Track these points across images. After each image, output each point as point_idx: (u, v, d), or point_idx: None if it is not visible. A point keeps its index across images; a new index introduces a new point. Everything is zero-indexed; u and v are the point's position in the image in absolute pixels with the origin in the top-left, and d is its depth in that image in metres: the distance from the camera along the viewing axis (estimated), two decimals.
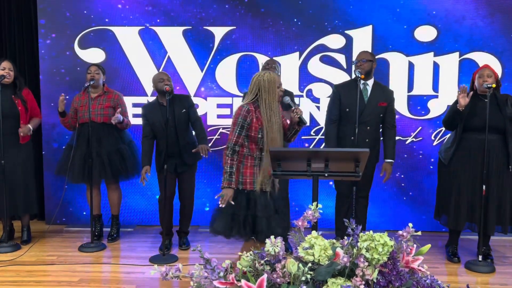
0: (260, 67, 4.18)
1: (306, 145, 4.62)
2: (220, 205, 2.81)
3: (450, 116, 3.61)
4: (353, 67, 3.76)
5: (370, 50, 4.46)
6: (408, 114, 4.53)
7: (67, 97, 4.23)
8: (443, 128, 4.45)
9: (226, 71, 4.61)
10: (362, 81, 3.65)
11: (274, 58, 4.54)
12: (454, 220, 3.61)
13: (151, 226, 4.60)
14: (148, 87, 4.61)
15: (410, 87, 4.53)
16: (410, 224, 1.87)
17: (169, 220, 3.97)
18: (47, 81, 4.67)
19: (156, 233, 4.12)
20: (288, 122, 3.04)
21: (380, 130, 3.83)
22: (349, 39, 4.51)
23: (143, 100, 4.58)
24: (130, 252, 3.97)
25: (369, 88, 3.70)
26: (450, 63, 4.47)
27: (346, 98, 3.68)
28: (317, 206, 1.94)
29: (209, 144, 4.60)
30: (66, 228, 4.69)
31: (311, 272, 1.72)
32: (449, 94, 4.45)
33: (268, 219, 2.86)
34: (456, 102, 3.55)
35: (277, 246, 1.78)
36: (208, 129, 4.64)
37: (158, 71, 4.59)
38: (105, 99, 4.14)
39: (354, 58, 3.80)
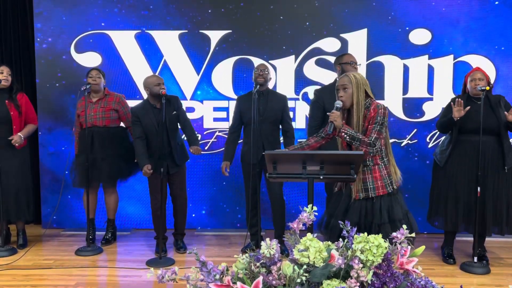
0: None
1: None
2: None
3: (444, 122, 3.65)
4: (344, 67, 3.71)
5: (365, 53, 4.50)
6: (403, 117, 4.55)
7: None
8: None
9: (222, 74, 4.63)
10: None
11: (270, 61, 4.57)
12: (451, 222, 3.63)
13: (148, 230, 4.60)
14: (144, 91, 4.62)
15: (405, 89, 4.55)
16: (404, 226, 1.88)
17: (164, 224, 3.97)
18: (44, 85, 4.68)
19: (153, 237, 4.13)
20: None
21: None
22: (344, 43, 4.54)
23: None
24: (127, 256, 3.97)
25: None
26: (444, 65, 4.50)
27: (330, 102, 3.68)
28: (312, 208, 1.95)
29: (205, 148, 4.65)
30: (62, 232, 4.68)
31: (306, 274, 1.73)
32: (443, 97, 4.48)
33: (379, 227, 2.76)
34: (449, 106, 3.59)
35: (273, 248, 1.79)
36: (204, 132, 4.66)
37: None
38: (106, 102, 4.15)
39: (342, 60, 3.75)
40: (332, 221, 2.82)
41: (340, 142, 2.88)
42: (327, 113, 2.78)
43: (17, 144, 3.91)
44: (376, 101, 2.82)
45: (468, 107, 3.47)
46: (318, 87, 4.51)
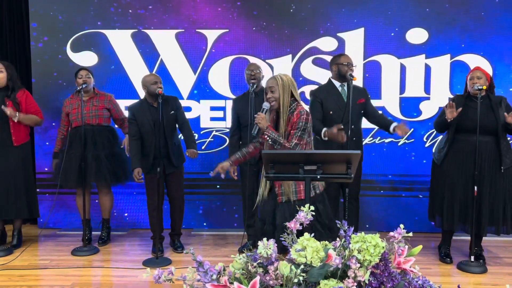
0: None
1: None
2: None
3: (440, 122, 3.66)
4: (340, 68, 3.74)
5: (362, 53, 4.51)
6: (400, 116, 4.55)
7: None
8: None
9: (219, 73, 4.62)
10: (339, 83, 3.76)
11: (267, 60, 4.57)
12: (448, 221, 3.63)
13: (144, 230, 4.59)
14: (141, 90, 4.61)
15: (402, 89, 4.55)
16: (401, 226, 1.88)
17: (161, 224, 3.96)
18: (39, 84, 4.65)
19: (149, 236, 4.12)
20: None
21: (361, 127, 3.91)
22: (341, 42, 4.54)
23: None
24: (123, 256, 3.96)
25: (346, 88, 3.75)
26: (441, 65, 4.50)
27: (328, 102, 3.73)
28: (309, 208, 1.95)
29: (202, 147, 4.63)
30: (58, 232, 4.66)
31: (304, 274, 1.72)
32: (440, 96, 4.49)
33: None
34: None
35: (270, 248, 1.78)
36: (201, 132, 4.64)
37: None
38: (98, 100, 4.13)
39: (339, 61, 3.77)
40: (264, 227, 2.90)
41: (267, 144, 2.92)
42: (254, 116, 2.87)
43: (8, 113, 3.79)
44: (301, 106, 2.87)
45: (460, 108, 3.48)
46: (316, 86, 4.52)
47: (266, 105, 2.87)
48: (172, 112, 3.86)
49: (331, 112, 3.69)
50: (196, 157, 3.91)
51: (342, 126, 3.45)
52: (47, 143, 4.70)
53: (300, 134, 2.79)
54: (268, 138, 2.78)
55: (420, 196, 4.55)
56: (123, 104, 4.55)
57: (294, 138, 2.79)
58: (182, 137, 4.01)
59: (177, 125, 3.95)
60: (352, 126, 3.68)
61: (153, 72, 4.58)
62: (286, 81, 2.84)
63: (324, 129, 3.60)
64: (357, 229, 3.85)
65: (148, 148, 3.84)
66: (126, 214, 4.75)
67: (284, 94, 2.83)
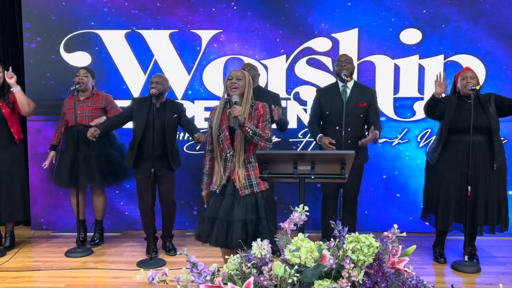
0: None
1: (294, 147, 4.63)
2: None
3: (429, 102, 3.62)
4: (336, 68, 3.78)
5: (356, 53, 4.51)
6: (394, 116, 4.56)
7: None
8: (429, 130, 4.51)
9: (213, 74, 4.61)
10: (341, 84, 3.74)
11: (261, 61, 4.57)
12: (442, 221, 3.64)
13: (139, 231, 4.56)
14: (134, 90, 4.60)
15: (396, 89, 4.57)
16: (395, 225, 1.89)
17: (154, 225, 3.94)
18: (32, 85, 4.62)
19: (143, 237, 4.10)
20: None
21: (364, 130, 3.87)
22: (335, 42, 4.54)
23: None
24: (117, 257, 3.94)
25: (349, 90, 3.74)
26: (435, 65, 4.52)
27: (325, 102, 3.74)
28: (303, 208, 1.95)
29: (197, 148, 4.63)
30: (52, 233, 4.64)
31: (298, 275, 1.72)
32: None
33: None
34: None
35: (264, 249, 1.78)
36: None
37: (144, 74, 4.60)
38: (93, 101, 4.11)
39: (337, 60, 3.83)
40: (216, 223, 2.88)
41: (218, 150, 2.95)
42: (230, 110, 2.81)
43: (12, 82, 3.82)
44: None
45: (450, 88, 3.51)
46: (310, 87, 4.53)
47: (236, 97, 2.85)
48: (175, 116, 3.84)
49: (327, 112, 3.69)
50: (204, 141, 3.63)
51: (334, 141, 3.57)
52: (41, 144, 4.67)
53: (270, 126, 2.93)
54: (249, 130, 2.78)
55: (398, 195, 4.58)
56: (117, 104, 4.52)
57: (266, 129, 2.89)
58: (188, 134, 3.96)
59: (179, 127, 3.96)
60: (349, 129, 3.67)
61: (147, 72, 4.58)
62: (250, 79, 2.92)
63: (320, 135, 3.65)
64: (354, 231, 3.85)
65: (136, 146, 3.81)
66: (120, 215, 4.73)
67: (249, 88, 2.88)
